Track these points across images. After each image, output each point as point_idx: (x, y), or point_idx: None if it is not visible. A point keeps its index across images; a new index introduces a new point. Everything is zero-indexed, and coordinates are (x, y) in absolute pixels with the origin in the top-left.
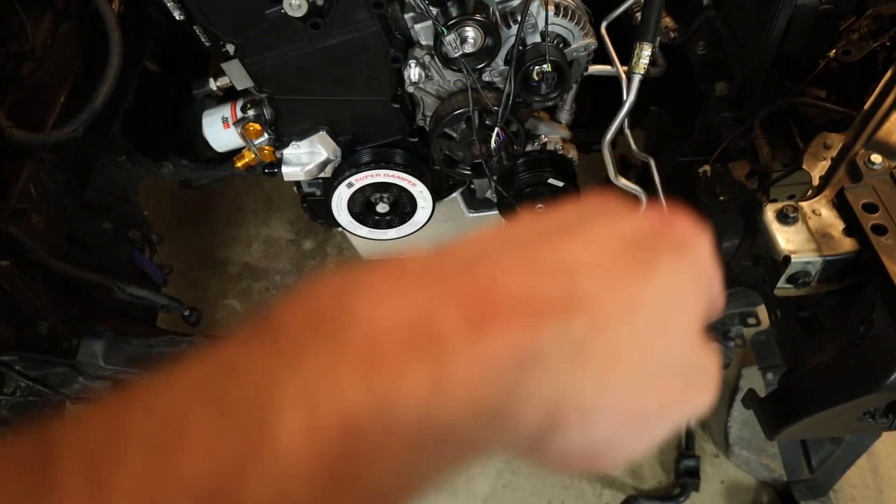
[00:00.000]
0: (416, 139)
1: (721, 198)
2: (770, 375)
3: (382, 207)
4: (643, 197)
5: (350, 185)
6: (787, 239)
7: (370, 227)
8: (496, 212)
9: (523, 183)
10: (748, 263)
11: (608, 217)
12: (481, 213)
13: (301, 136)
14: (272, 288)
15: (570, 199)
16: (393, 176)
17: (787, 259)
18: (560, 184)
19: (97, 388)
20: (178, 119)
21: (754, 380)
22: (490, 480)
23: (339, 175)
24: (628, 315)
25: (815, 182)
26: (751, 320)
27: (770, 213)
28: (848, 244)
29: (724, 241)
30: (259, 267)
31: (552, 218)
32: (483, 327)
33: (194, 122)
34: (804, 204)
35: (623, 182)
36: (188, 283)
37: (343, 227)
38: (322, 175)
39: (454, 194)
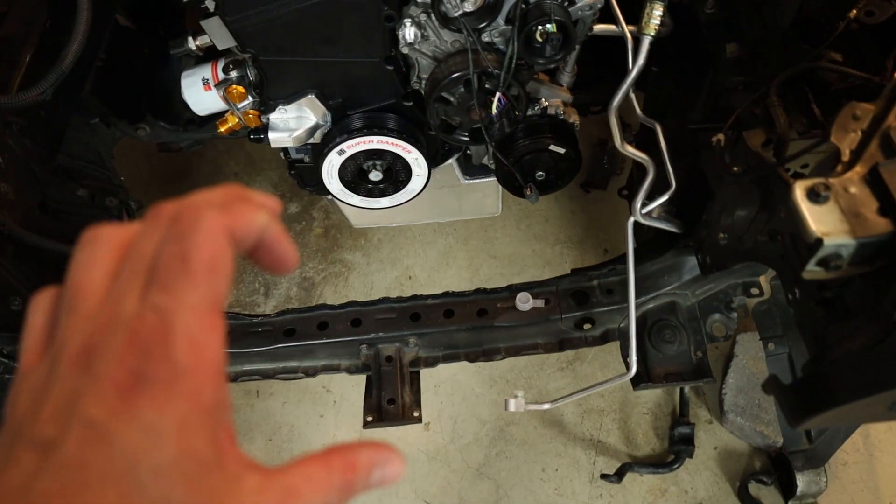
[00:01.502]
0: (411, 103)
1: (735, 168)
2: (771, 346)
3: (375, 175)
4: (650, 166)
5: (341, 151)
6: (818, 219)
7: (362, 195)
8: (493, 178)
9: (523, 149)
10: (764, 238)
11: None
12: (478, 179)
13: (288, 99)
14: None
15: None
16: (386, 142)
17: (819, 242)
18: (562, 150)
19: None
20: (154, 78)
21: (749, 346)
22: (484, 449)
23: (329, 141)
24: None
25: (846, 156)
26: (753, 290)
27: (800, 191)
28: (883, 225)
29: (737, 211)
30: None
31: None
32: None
33: (172, 82)
34: (835, 181)
35: (630, 150)
36: None
37: (334, 196)
38: (311, 141)
39: (450, 160)
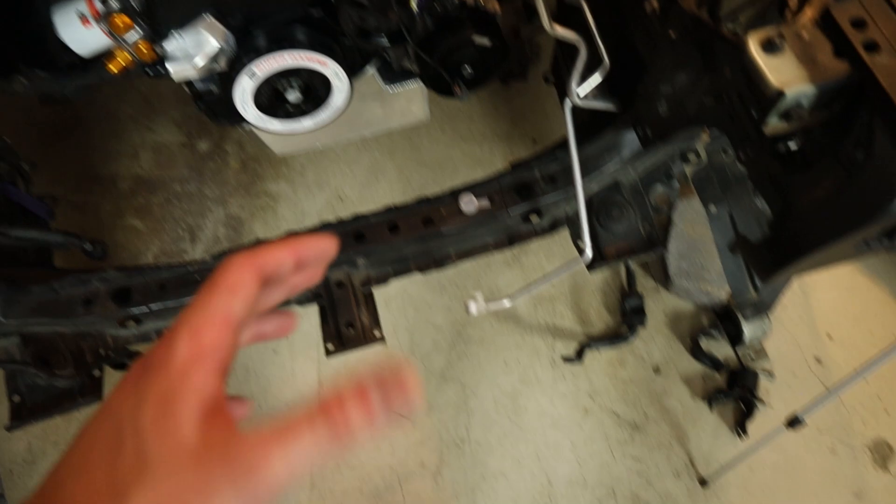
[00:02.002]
0: (320, 11)
1: (672, 34)
2: (712, 208)
3: (293, 95)
4: (582, 45)
5: (252, 74)
6: (776, 70)
7: (282, 119)
8: (417, 82)
9: (446, 46)
10: (709, 101)
11: None
12: (402, 85)
13: (182, 24)
14: (174, 199)
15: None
16: (300, 58)
17: (779, 93)
18: (486, 41)
19: (7, 347)
20: (21, 20)
21: (684, 212)
22: (444, 354)
23: (237, 65)
24: None
25: (793, 2)
26: (691, 156)
27: (754, 44)
28: (839, 67)
29: (676, 78)
30: (153, 178)
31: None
32: None
33: (43, 22)
34: (787, 29)
35: (559, 30)
36: (76, 210)
37: (251, 125)
38: (216, 69)
39: (370, 69)
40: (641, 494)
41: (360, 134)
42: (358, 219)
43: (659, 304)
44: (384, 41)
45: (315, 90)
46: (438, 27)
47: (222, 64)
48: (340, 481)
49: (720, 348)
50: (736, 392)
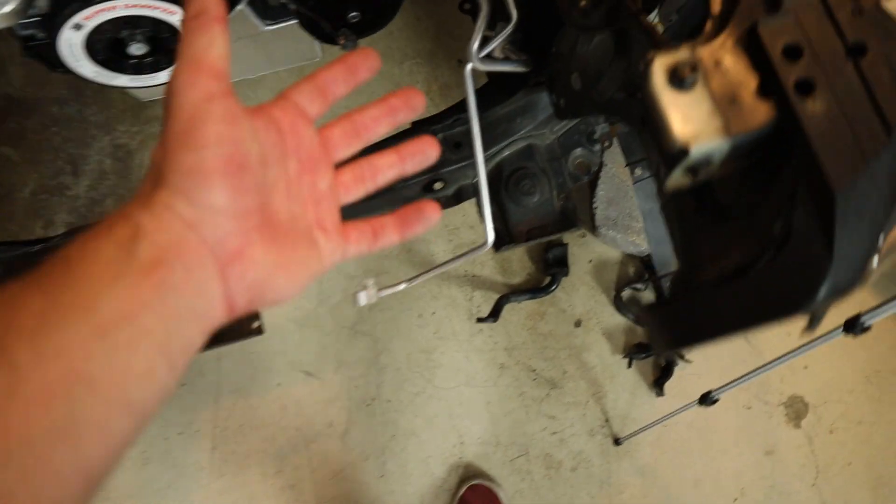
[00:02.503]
0: None
1: (582, 3)
2: (638, 171)
3: (138, 48)
4: (484, 1)
5: (78, 27)
6: (684, 117)
7: (131, 73)
8: (297, 20)
9: None
10: (620, 96)
11: None
12: (280, 23)
13: None
14: (52, 124)
15: None
16: (138, 5)
17: (683, 152)
18: None
19: None
20: None
21: (618, 154)
22: (355, 308)
23: (58, 12)
24: None
25: (716, 6)
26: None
27: (659, 75)
28: (764, 112)
29: (589, 53)
30: (26, 98)
31: None
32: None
33: None
34: (703, 53)
35: None
36: None
37: (93, 80)
38: (35, 10)
39: (240, 6)
40: (554, 454)
41: (244, 76)
42: None
43: (584, 252)
44: None
45: (165, 41)
46: None
47: (43, 5)
48: (243, 442)
49: (645, 300)
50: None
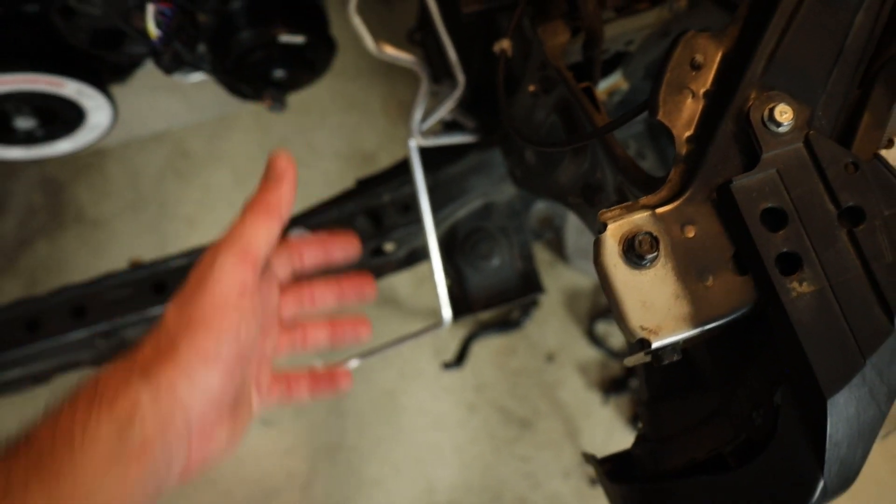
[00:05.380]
0: (38, 7)
1: (531, 88)
2: None
3: (25, 122)
4: (423, 70)
5: None
6: (643, 303)
7: (23, 145)
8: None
9: (246, 47)
10: (577, 200)
11: None
12: (201, 76)
13: None
14: None
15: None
16: (15, 81)
17: (643, 343)
18: (299, 39)
19: None
20: None
21: None
22: None
23: None
24: None
25: (682, 147)
26: None
27: (612, 249)
28: (739, 292)
29: (541, 135)
30: None
31: None
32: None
33: None
34: (667, 213)
35: (390, 51)
36: None
37: None
38: None
39: (145, 64)
40: (529, 497)
41: (169, 126)
42: (155, 264)
43: (555, 281)
44: (142, 49)
45: (59, 113)
46: (234, 14)
47: None
48: (198, 498)
49: (619, 332)
50: (633, 383)
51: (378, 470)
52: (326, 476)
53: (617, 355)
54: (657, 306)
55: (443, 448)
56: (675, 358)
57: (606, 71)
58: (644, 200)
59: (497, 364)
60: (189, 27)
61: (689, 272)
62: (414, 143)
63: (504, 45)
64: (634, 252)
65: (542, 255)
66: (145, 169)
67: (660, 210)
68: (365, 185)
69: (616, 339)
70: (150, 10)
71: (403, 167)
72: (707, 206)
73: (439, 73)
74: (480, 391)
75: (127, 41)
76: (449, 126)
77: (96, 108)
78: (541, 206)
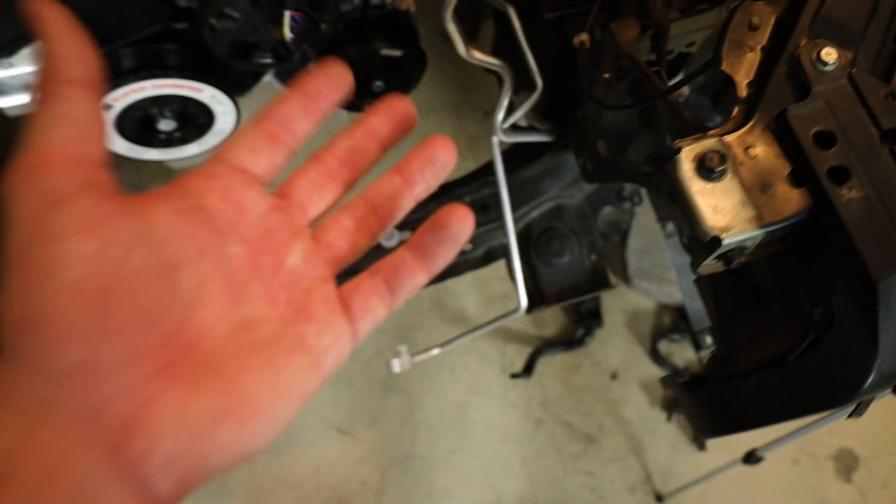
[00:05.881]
0: (186, 25)
1: (606, 76)
2: (669, 226)
3: (167, 124)
4: (506, 73)
5: (107, 107)
6: (713, 208)
7: (160, 147)
8: None
9: (350, 60)
10: (648, 168)
11: None
12: None
13: (11, 49)
14: None
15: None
16: (166, 85)
17: (715, 241)
18: (398, 52)
19: None
20: None
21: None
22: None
23: None
24: None
25: (742, 90)
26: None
27: (687, 166)
28: (797, 200)
29: (615, 122)
30: None
31: None
32: None
33: None
34: (732, 140)
35: (478, 56)
36: None
37: (124, 155)
38: None
39: (267, 78)
40: None
41: None
42: None
43: (618, 302)
44: (269, 60)
45: (193, 116)
46: (340, 34)
47: None
48: (276, 501)
49: (682, 351)
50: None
51: (448, 480)
52: (398, 484)
53: (681, 373)
54: (726, 210)
55: (510, 461)
56: (742, 260)
57: (670, 74)
58: (712, 133)
59: (562, 380)
60: (314, 32)
61: (753, 186)
62: (496, 140)
63: (583, 37)
64: (705, 166)
65: None
66: None
67: (726, 137)
68: (446, 188)
69: (679, 357)
70: (287, 15)
71: (482, 172)
72: (767, 134)
73: (515, 83)
74: (546, 407)
75: (256, 53)
76: (525, 129)
77: (223, 114)
78: (608, 210)
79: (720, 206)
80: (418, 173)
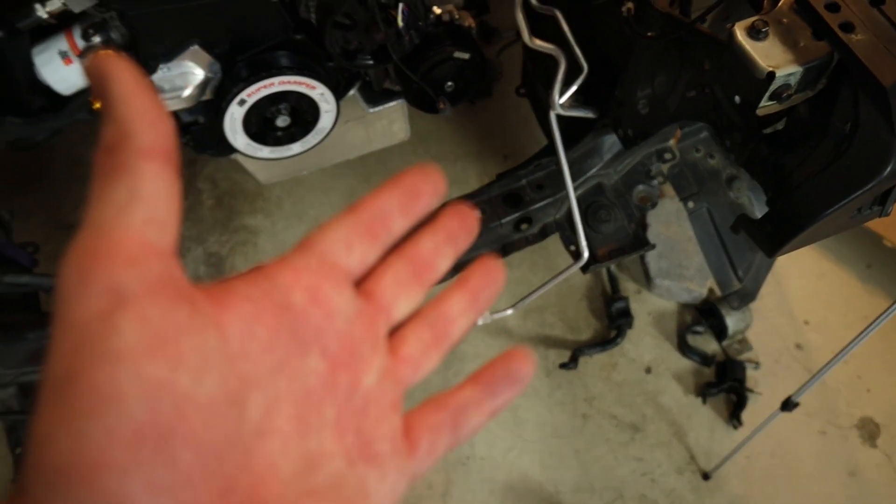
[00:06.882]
0: (302, 36)
1: (650, 34)
2: (690, 204)
3: (283, 120)
4: (560, 55)
5: (242, 101)
6: (764, 55)
7: (272, 145)
8: (397, 101)
9: (427, 63)
10: (692, 94)
11: None
12: (382, 106)
13: (169, 55)
14: None
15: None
16: (289, 81)
17: (771, 75)
18: (466, 55)
19: (5, 399)
20: None
21: (658, 214)
22: (440, 374)
23: (226, 93)
24: None
25: None
26: (667, 155)
27: (741, 32)
28: (820, 48)
29: (656, 77)
30: None
31: None
32: None
33: (15, 67)
34: (768, 17)
35: (539, 43)
36: (48, 258)
37: (241, 152)
38: (203, 98)
39: (353, 90)
40: (648, 494)
41: (345, 157)
42: None
43: (643, 306)
44: (369, 61)
45: (303, 114)
46: (419, 44)
47: (209, 93)
48: None
49: (706, 343)
50: (726, 384)
51: (508, 477)
52: (462, 485)
53: (708, 361)
54: (773, 56)
55: (565, 454)
56: (790, 97)
57: None
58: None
59: (602, 378)
60: (417, 24)
61: (788, 41)
62: (553, 115)
63: (629, 5)
64: (755, 29)
65: (628, 285)
66: (290, 240)
67: (762, 15)
68: (503, 176)
69: (705, 346)
70: (401, 6)
71: (535, 157)
72: (791, 11)
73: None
74: (591, 402)
75: (360, 55)
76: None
77: (326, 112)
78: (640, 188)
79: (769, 54)
80: (481, 292)
